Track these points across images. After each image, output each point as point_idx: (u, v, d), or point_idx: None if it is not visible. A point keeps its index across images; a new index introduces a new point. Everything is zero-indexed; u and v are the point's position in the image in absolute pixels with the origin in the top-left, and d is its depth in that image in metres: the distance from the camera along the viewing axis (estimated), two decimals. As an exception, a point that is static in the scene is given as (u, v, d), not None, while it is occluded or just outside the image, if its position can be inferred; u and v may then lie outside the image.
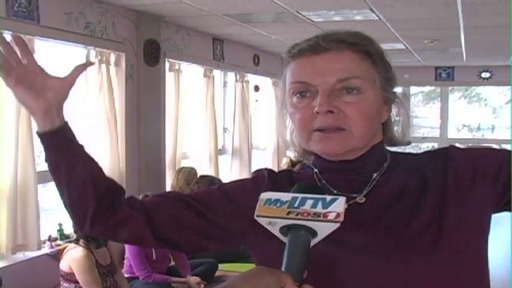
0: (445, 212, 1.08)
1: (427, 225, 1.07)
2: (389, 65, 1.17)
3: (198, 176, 6.08)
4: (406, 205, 1.11)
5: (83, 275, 3.82)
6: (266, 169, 1.27)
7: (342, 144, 1.11)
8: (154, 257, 4.55)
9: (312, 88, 1.11)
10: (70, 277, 3.87)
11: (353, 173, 1.16)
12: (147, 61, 5.66)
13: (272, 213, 0.92)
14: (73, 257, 3.84)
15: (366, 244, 1.07)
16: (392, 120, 1.21)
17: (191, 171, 6.21)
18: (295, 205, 0.91)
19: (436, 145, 11.46)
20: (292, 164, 8.58)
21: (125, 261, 4.67)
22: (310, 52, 1.12)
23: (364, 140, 1.13)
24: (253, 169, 8.38)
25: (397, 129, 1.21)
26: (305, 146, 1.16)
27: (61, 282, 3.93)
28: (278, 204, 0.92)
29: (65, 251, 3.99)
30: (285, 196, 0.93)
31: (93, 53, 5.01)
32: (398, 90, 1.19)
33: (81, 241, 3.88)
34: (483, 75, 10.58)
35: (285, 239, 0.92)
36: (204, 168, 6.82)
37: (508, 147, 10.34)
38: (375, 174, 1.15)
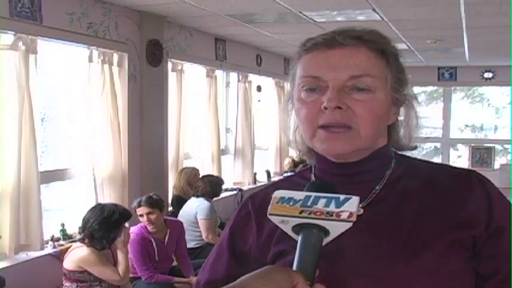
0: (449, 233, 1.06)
1: (434, 237, 1.05)
2: (402, 67, 1.15)
3: (200, 176, 6.08)
4: (409, 216, 1.09)
5: (100, 268, 3.86)
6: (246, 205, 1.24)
7: (347, 144, 1.08)
8: (157, 258, 4.55)
9: (323, 83, 1.08)
10: (73, 276, 3.88)
11: (353, 181, 1.12)
12: (150, 61, 5.66)
13: (285, 211, 0.92)
14: (80, 256, 3.87)
15: (364, 248, 1.06)
16: (400, 123, 1.18)
17: (192, 171, 6.22)
18: (308, 204, 0.91)
19: (438, 145, 11.45)
20: (295, 164, 8.60)
21: (127, 261, 4.67)
22: (325, 46, 1.10)
23: (370, 140, 1.10)
24: (255, 169, 8.42)
25: (403, 133, 1.18)
26: (309, 143, 1.14)
27: (63, 282, 3.94)
28: (291, 203, 0.92)
29: (70, 249, 4.01)
30: (298, 195, 0.93)
31: (95, 53, 5.01)
32: (409, 92, 1.16)
33: (87, 241, 3.91)
34: (486, 75, 10.57)
35: (297, 238, 0.92)
36: (206, 169, 6.82)
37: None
38: (377, 187, 1.13)
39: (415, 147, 1.21)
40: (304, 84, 1.11)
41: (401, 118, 1.18)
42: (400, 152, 1.20)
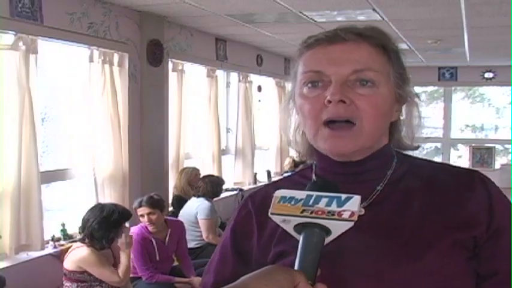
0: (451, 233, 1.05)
1: (436, 237, 1.05)
2: (404, 65, 1.16)
3: (200, 176, 6.08)
4: (410, 215, 1.08)
5: (99, 269, 3.87)
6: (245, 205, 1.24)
7: (350, 143, 1.07)
8: (157, 258, 4.55)
9: (325, 78, 1.08)
10: (73, 276, 3.88)
11: (355, 180, 1.12)
12: (150, 61, 5.66)
13: (287, 211, 0.92)
14: (80, 256, 3.87)
15: (365, 248, 1.06)
16: (402, 122, 1.17)
17: (193, 171, 6.22)
18: (310, 203, 0.91)
19: (439, 145, 11.45)
20: (295, 164, 8.59)
21: (128, 261, 4.67)
22: (326, 42, 1.10)
23: (373, 138, 1.10)
24: (256, 169, 8.41)
25: (406, 132, 1.18)
26: (312, 141, 1.13)
27: (64, 282, 3.94)
28: (293, 202, 0.92)
29: (70, 249, 4.01)
30: (300, 194, 0.93)
31: (96, 53, 5.01)
32: (411, 90, 1.16)
33: (87, 241, 3.91)
34: (486, 75, 10.56)
35: (299, 237, 0.92)
36: (207, 169, 6.82)
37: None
38: (378, 187, 1.12)
39: (417, 147, 1.20)
40: (306, 80, 1.10)
41: (402, 118, 1.17)
42: (401, 151, 1.20)
